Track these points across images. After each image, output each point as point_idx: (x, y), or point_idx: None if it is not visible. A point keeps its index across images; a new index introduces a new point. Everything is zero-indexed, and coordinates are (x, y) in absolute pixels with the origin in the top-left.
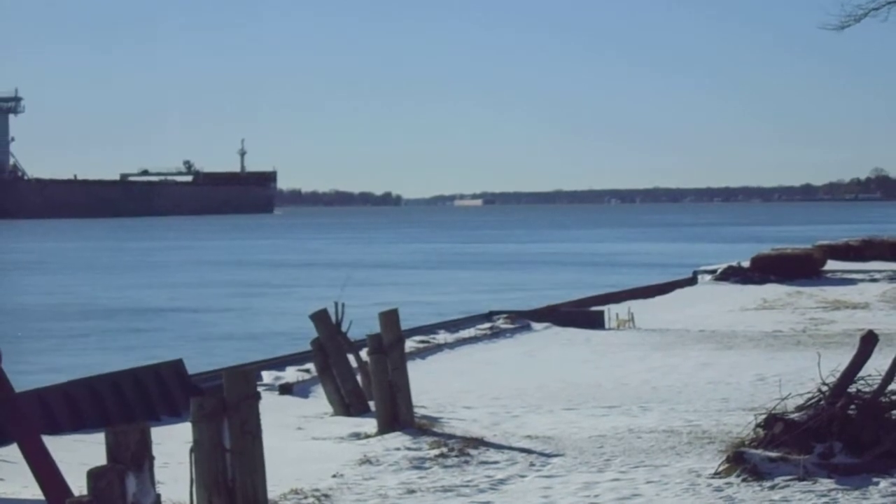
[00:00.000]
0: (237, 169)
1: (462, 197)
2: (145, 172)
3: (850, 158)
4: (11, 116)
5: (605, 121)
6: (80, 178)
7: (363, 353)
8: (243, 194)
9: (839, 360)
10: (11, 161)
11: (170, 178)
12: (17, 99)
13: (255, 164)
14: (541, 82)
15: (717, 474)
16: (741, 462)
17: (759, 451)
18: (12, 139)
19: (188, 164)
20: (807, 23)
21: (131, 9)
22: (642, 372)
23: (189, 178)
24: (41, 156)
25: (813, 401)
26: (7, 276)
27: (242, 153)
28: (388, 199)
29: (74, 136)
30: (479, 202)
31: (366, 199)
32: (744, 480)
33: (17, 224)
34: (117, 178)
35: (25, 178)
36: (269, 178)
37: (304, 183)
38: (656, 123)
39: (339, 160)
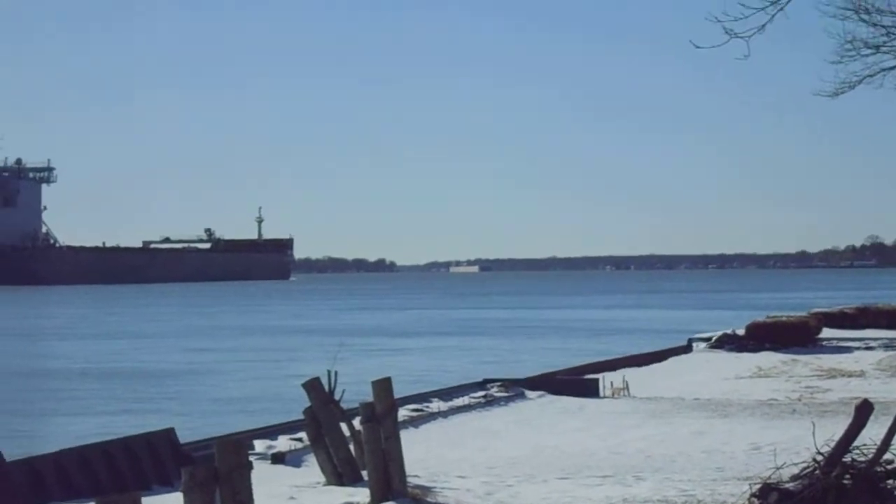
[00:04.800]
0: (254, 236)
1: (458, 263)
2: (167, 240)
3: (845, 225)
4: (44, 186)
5: (600, 187)
6: (107, 244)
7: (356, 422)
8: (261, 261)
9: (834, 429)
10: (44, 229)
11: (191, 245)
12: (49, 169)
13: (267, 231)
14: (536, 148)
15: None
16: None
17: None
18: (45, 208)
19: (209, 231)
20: (802, 88)
21: (150, 75)
22: (637, 440)
23: (208, 246)
24: (69, 222)
25: (808, 470)
26: (22, 341)
27: (260, 220)
28: (381, 266)
29: (100, 203)
30: (475, 269)
31: (360, 265)
32: None
33: (50, 290)
34: (140, 244)
35: (57, 245)
36: (286, 245)
37: (296, 250)
38: (651, 189)
39: (331, 226)
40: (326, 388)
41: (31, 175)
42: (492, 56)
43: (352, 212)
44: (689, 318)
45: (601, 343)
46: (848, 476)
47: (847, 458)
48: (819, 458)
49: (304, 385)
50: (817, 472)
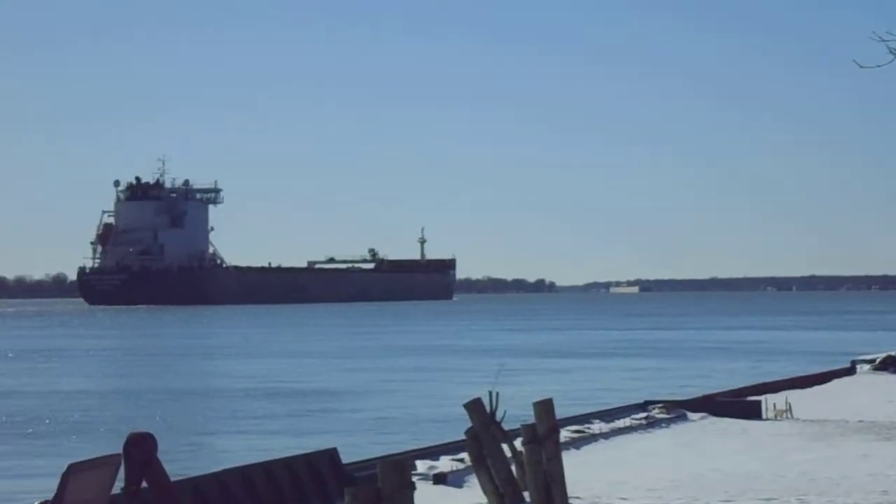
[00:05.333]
0: (417, 256)
1: (618, 284)
2: (332, 260)
3: None
4: (211, 207)
5: (762, 205)
6: (272, 265)
7: (518, 443)
8: (424, 281)
9: None
10: (211, 249)
11: (355, 265)
12: (216, 190)
13: (429, 252)
14: (701, 159)
15: None
16: None
17: None
18: (212, 228)
19: (373, 251)
20: None
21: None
22: (800, 463)
23: (372, 266)
24: (236, 243)
25: None
26: (188, 360)
27: (422, 241)
28: (541, 286)
29: (265, 224)
30: (635, 289)
31: (519, 286)
32: None
33: (216, 309)
34: (305, 264)
35: (224, 265)
36: (448, 265)
37: (457, 270)
38: (813, 207)
39: (491, 247)
40: (488, 408)
41: (198, 196)
42: (637, 51)
43: (512, 232)
44: (853, 339)
45: (763, 364)
46: None
47: None
48: None
49: (466, 406)
50: None
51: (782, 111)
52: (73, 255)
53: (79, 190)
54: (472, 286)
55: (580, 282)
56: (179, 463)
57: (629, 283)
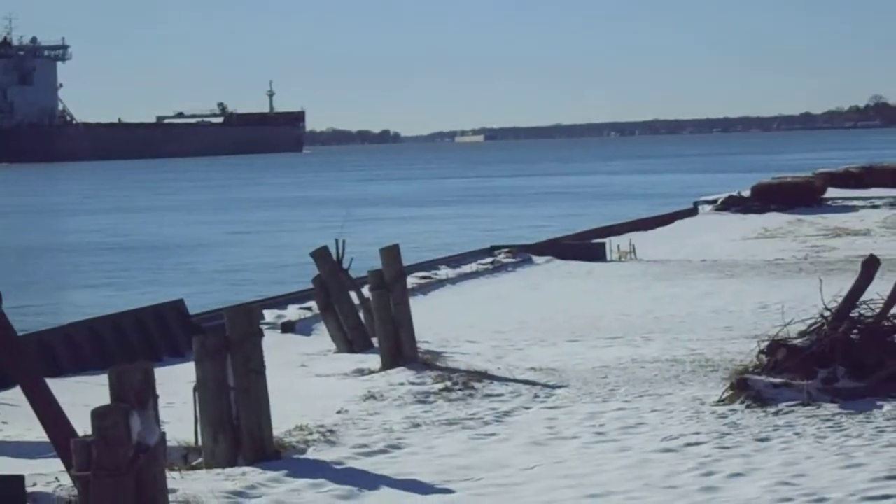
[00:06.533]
0: (266, 109)
1: (463, 133)
2: (181, 115)
3: (849, 86)
4: (59, 64)
5: (602, 54)
6: (122, 120)
7: (365, 290)
8: (274, 134)
9: (841, 287)
10: (60, 106)
11: (204, 119)
12: (64, 47)
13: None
14: (540, 17)
15: (721, 401)
16: (745, 389)
17: (763, 378)
18: (60, 85)
19: (221, 105)
20: None
21: None
22: (645, 302)
23: (221, 120)
24: (85, 99)
25: (815, 326)
26: (35, 217)
27: (271, 94)
28: (385, 137)
29: (113, 80)
30: (480, 138)
31: (364, 137)
32: (748, 407)
33: (66, 166)
34: (154, 120)
35: (74, 122)
36: (297, 117)
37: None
38: (653, 55)
39: (335, 99)
40: (335, 256)
41: (46, 53)
42: None
43: (355, 84)
44: (695, 181)
45: (607, 208)
46: (856, 331)
47: (854, 314)
48: (826, 314)
49: (313, 254)
50: (825, 327)
51: None
52: None
53: None
54: (316, 138)
55: (425, 131)
56: (25, 317)
57: (474, 132)
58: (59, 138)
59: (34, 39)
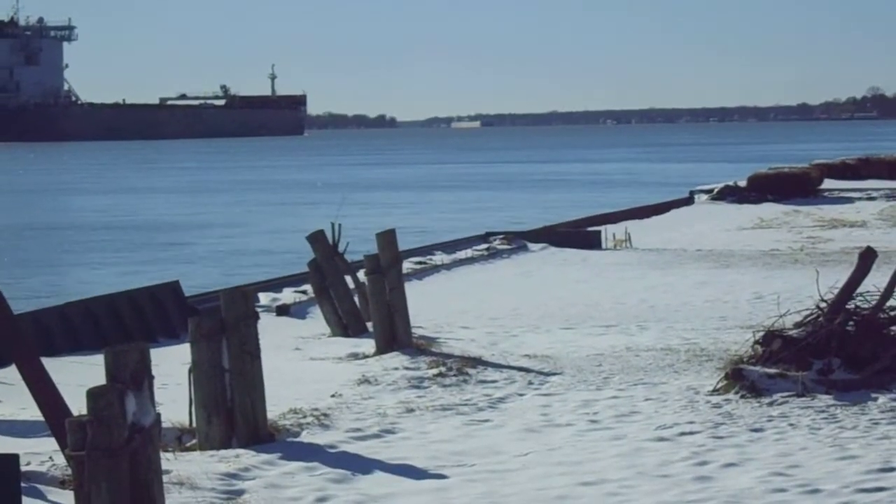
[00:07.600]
0: (268, 92)
1: (459, 119)
2: (184, 96)
3: (846, 77)
4: (65, 44)
5: (600, 42)
6: (126, 101)
7: (360, 274)
8: (275, 117)
9: (837, 278)
10: (66, 86)
11: (207, 101)
12: (70, 27)
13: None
14: (537, 5)
15: (715, 391)
16: (739, 379)
17: (758, 368)
18: (66, 66)
19: (224, 88)
20: None
21: None
22: (640, 291)
23: (223, 102)
24: (90, 80)
25: (811, 318)
26: (36, 196)
27: (273, 77)
28: (382, 122)
29: (118, 61)
30: (476, 124)
31: (360, 121)
32: (742, 397)
33: (70, 146)
34: (157, 101)
35: (79, 102)
36: (299, 101)
37: None
38: (651, 44)
39: (333, 83)
40: (331, 240)
41: (52, 34)
42: None
43: (353, 68)
44: (691, 170)
45: (603, 196)
46: (851, 323)
47: (850, 305)
48: (822, 305)
49: (309, 237)
50: (820, 319)
51: None
52: None
53: None
54: (312, 122)
55: (421, 117)
56: (21, 296)
57: (470, 118)
58: (64, 118)
59: (41, 20)
